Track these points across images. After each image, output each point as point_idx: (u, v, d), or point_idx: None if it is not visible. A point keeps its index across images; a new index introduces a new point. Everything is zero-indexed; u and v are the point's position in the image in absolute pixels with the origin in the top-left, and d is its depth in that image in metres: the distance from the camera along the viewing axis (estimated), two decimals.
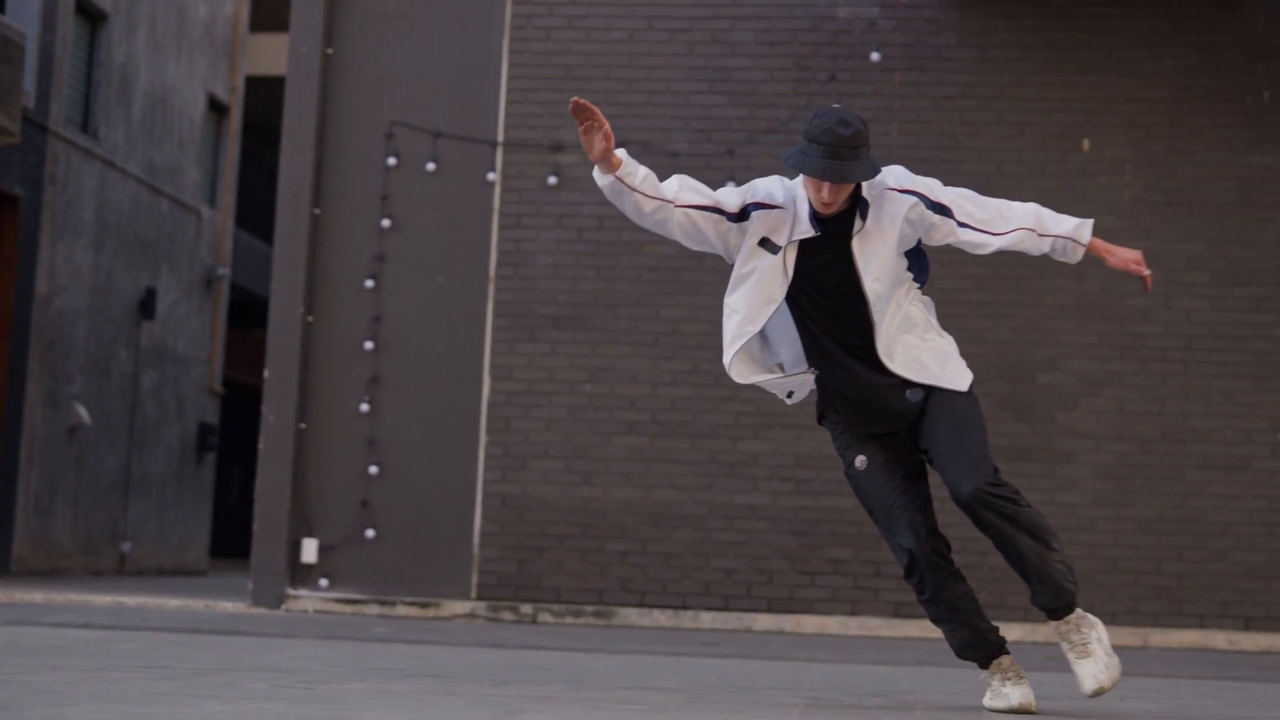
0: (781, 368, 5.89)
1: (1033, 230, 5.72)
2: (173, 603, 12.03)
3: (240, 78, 22.20)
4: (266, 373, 12.00)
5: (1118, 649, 10.86)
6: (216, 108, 21.72)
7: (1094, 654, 5.65)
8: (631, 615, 11.59)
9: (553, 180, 12.02)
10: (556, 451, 11.84)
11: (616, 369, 11.89)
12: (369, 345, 12.00)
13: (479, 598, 11.77)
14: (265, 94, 25.14)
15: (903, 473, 5.76)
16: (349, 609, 11.81)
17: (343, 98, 12.26)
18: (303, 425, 11.99)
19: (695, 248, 5.84)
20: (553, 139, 12.08)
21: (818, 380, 5.89)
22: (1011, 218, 5.76)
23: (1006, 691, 5.73)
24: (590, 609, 11.67)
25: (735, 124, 11.98)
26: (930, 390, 5.70)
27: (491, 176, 12.06)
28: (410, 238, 12.11)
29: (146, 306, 19.29)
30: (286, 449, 11.88)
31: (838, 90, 11.86)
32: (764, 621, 11.52)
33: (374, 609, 11.80)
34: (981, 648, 5.78)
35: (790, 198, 5.69)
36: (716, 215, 5.69)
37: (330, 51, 12.28)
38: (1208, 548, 11.43)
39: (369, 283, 12.06)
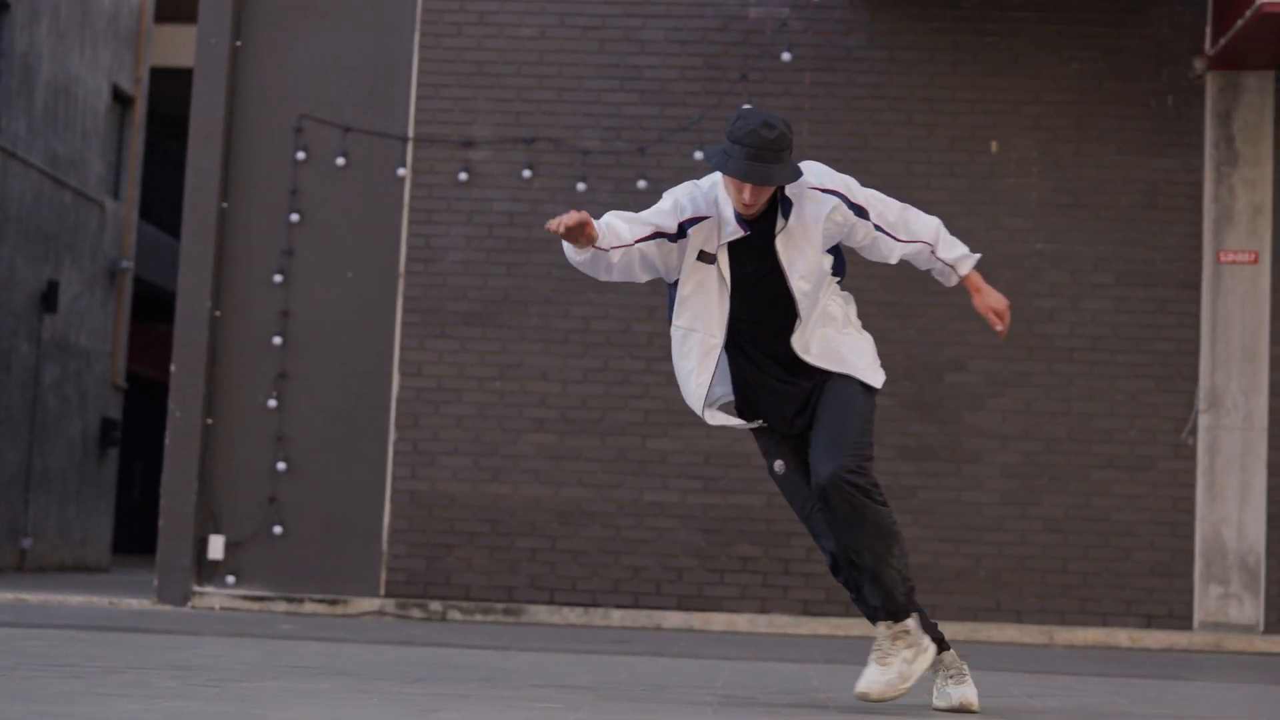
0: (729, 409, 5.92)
1: (930, 246, 5.80)
2: (76, 599, 11.89)
3: (145, 69, 21.96)
4: (173, 367, 11.89)
5: (1024, 647, 11.01)
6: (121, 99, 21.48)
7: (889, 665, 5.71)
8: (541, 613, 11.57)
9: (463, 176, 11.99)
10: (466, 448, 11.81)
11: (526, 366, 11.87)
12: (277, 340, 11.91)
13: (388, 595, 11.72)
14: (170, 85, 24.90)
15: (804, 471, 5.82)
16: (256, 606, 11.72)
17: (251, 91, 12.16)
18: (210, 421, 11.89)
19: (646, 279, 5.87)
20: (464, 135, 12.04)
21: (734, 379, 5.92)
22: (915, 229, 5.82)
23: (949, 690, 5.77)
24: (500, 606, 11.64)
25: (646, 122, 11.99)
26: (831, 376, 5.73)
27: (402, 172, 12.00)
28: (320, 233, 12.03)
29: (48, 299, 19.05)
30: (193, 445, 11.78)
31: (749, 89, 11.90)
32: (674, 619, 11.54)
33: (281, 606, 11.72)
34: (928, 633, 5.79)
35: (710, 202, 5.71)
36: (661, 239, 5.72)
37: (239, 44, 12.18)
38: (1112, 546, 11.56)
39: (277, 278, 11.97)
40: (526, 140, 12.01)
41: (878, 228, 5.76)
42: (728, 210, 5.65)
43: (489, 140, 12.04)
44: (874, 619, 5.73)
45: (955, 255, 5.80)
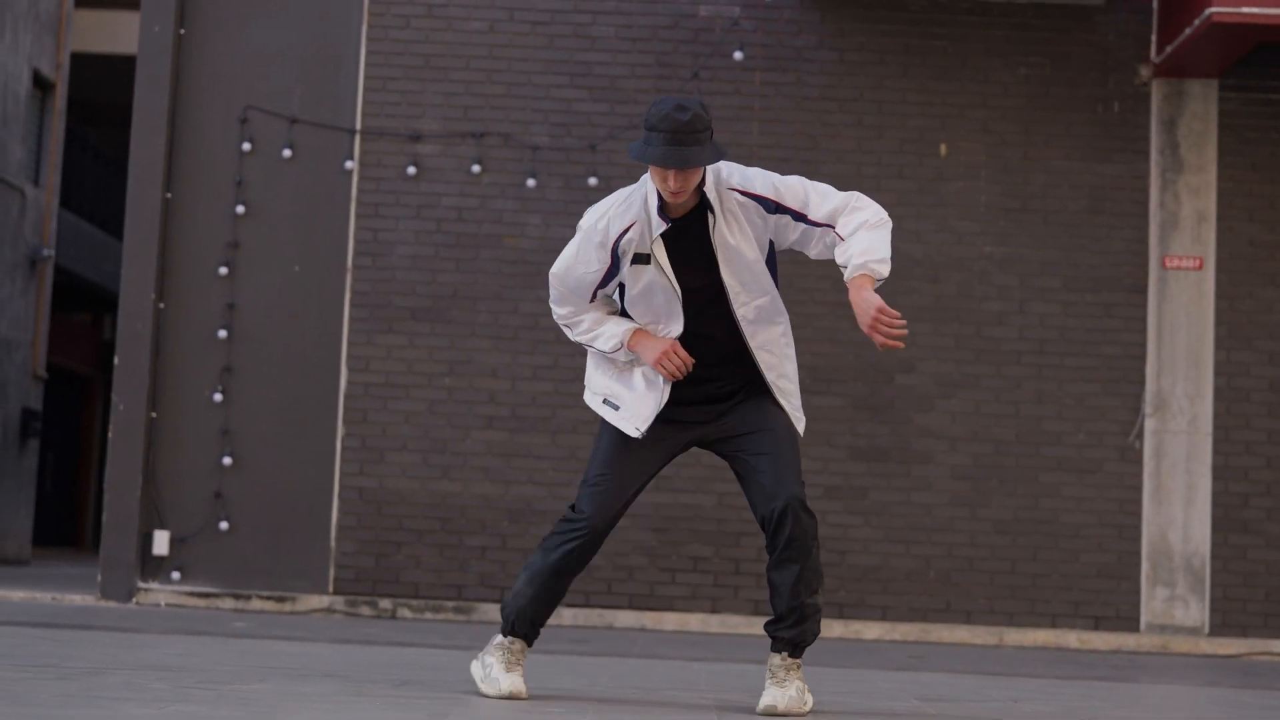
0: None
1: (843, 241, 5.63)
2: (17, 594, 11.68)
3: (66, 54, 21.62)
4: (116, 360, 11.71)
5: (975, 648, 11.08)
6: (41, 84, 21.14)
7: (788, 685, 5.76)
8: (492, 611, 11.50)
9: (412, 170, 11.89)
10: (415, 445, 11.72)
11: (476, 362, 11.79)
12: (223, 334, 11.76)
13: (336, 592, 11.61)
14: (90, 71, 24.55)
15: (646, 473, 5.81)
16: (202, 603, 11.58)
17: (196, 80, 12.00)
18: (154, 414, 11.72)
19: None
20: (412, 129, 11.94)
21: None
22: (850, 222, 5.64)
23: (497, 676, 5.86)
24: (450, 604, 11.57)
25: (596, 119, 11.94)
26: (767, 399, 5.77)
27: (349, 165, 11.89)
28: (265, 225, 11.89)
29: None
30: (137, 439, 11.60)
31: (699, 88, 11.88)
32: (625, 618, 11.52)
33: (228, 603, 11.58)
34: (523, 626, 5.87)
35: (636, 206, 5.69)
36: (608, 278, 5.77)
37: (183, 32, 12.01)
38: (1060, 548, 11.65)
39: (222, 270, 11.82)
40: (475, 135, 11.93)
41: (805, 219, 5.65)
42: (653, 206, 5.62)
43: (437, 134, 11.95)
44: (777, 648, 5.78)
45: (853, 256, 5.55)
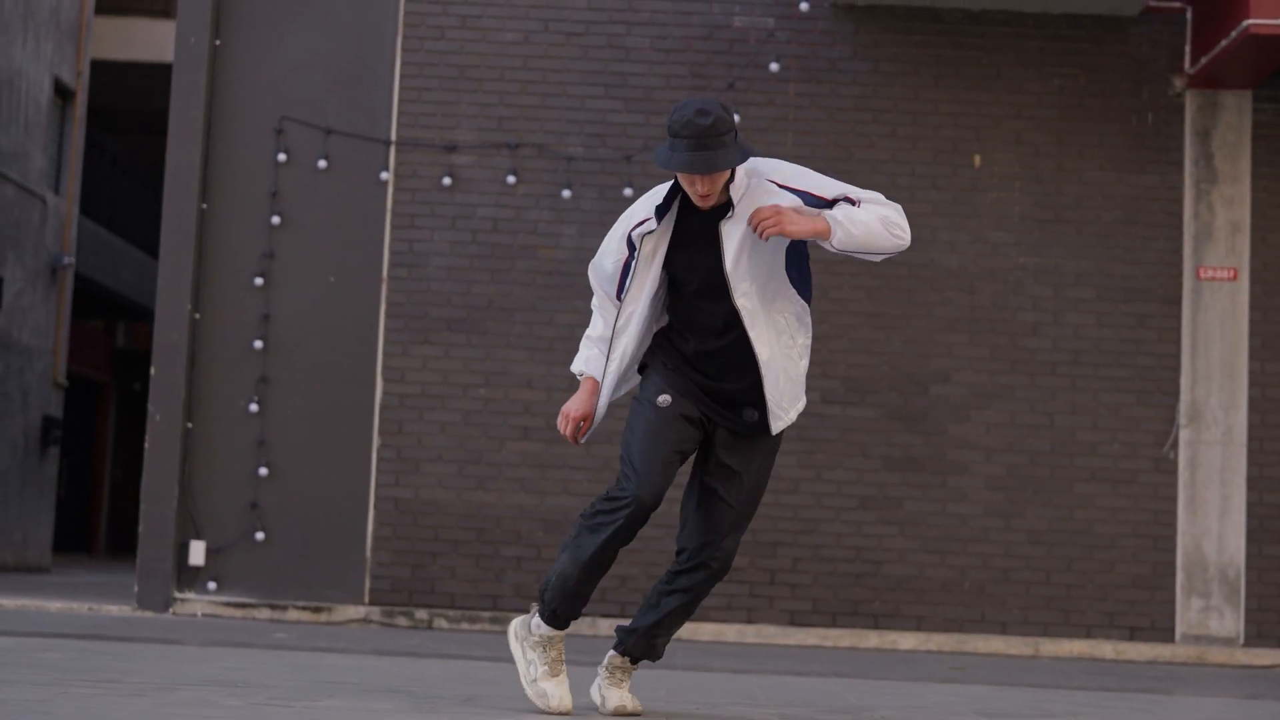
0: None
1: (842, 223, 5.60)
2: (54, 605, 11.70)
3: (86, 62, 21.65)
4: (153, 370, 11.73)
5: (1009, 659, 11.09)
6: (62, 92, 21.17)
7: (625, 686, 6.04)
8: None
9: (447, 181, 11.91)
10: (450, 455, 11.74)
11: (511, 373, 11.81)
12: (258, 344, 11.78)
13: (372, 602, 11.62)
14: (109, 79, 24.57)
15: (679, 449, 5.73)
16: (238, 613, 11.59)
17: (231, 91, 12.02)
18: (190, 425, 11.74)
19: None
20: (447, 139, 11.96)
21: (664, 339, 5.88)
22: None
23: (544, 688, 5.94)
24: (486, 615, 11.58)
25: (631, 130, 11.96)
26: (758, 451, 5.79)
27: (384, 175, 11.91)
28: (301, 235, 11.91)
29: None
30: (173, 449, 11.62)
31: (735, 99, 11.90)
32: None
33: (264, 613, 11.59)
34: (565, 608, 5.95)
35: (661, 197, 5.72)
36: (626, 269, 5.78)
37: (219, 43, 12.03)
38: (1095, 559, 11.66)
39: (258, 280, 11.84)
40: (510, 145, 11.95)
41: (832, 201, 5.63)
42: (676, 197, 5.66)
43: (472, 145, 11.97)
44: (623, 652, 6.00)
45: (827, 220, 5.54)
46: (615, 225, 5.86)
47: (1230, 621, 11.65)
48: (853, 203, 5.61)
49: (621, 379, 5.88)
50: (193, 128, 11.89)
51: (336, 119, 11.95)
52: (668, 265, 5.74)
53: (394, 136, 11.94)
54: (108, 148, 24.15)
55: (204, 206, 11.89)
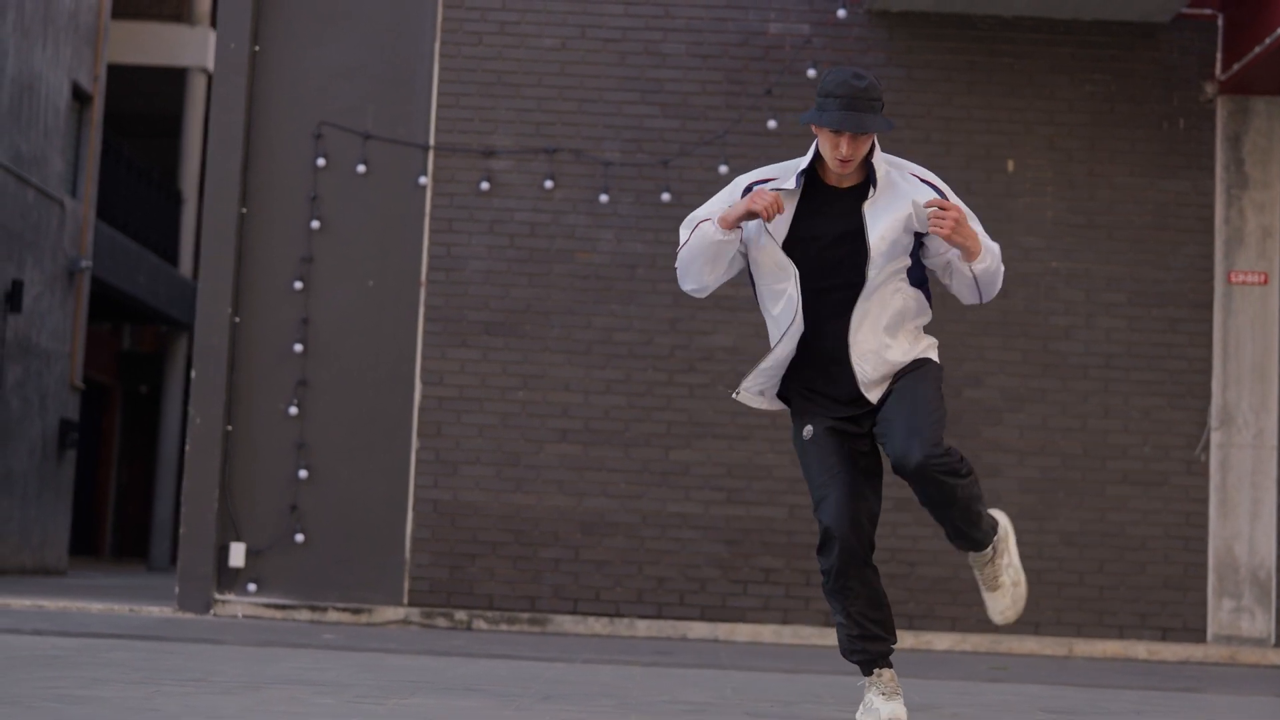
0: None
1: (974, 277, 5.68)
2: (95, 607, 11.79)
3: (103, 66, 21.72)
4: (193, 373, 11.82)
5: (1044, 659, 11.20)
6: (79, 96, 21.24)
7: (1002, 586, 5.81)
8: (566, 623, 11.62)
9: (485, 185, 12.01)
10: (488, 458, 11.83)
11: (549, 376, 11.91)
12: (298, 348, 11.88)
13: (411, 604, 11.72)
14: (125, 83, 24.67)
15: (849, 458, 5.70)
16: (279, 614, 11.68)
17: (271, 96, 12.12)
18: (230, 428, 11.83)
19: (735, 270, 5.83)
20: (484, 144, 12.07)
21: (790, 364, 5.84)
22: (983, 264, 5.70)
23: (878, 706, 5.70)
24: (525, 616, 11.68)
25: (668, 135, 12.07)
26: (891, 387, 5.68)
27: (423, 180, 12.01)
28: (340, 240, 12.00)
29: (13, 299, 18.80)
30: (214, 452, 11.71)
31: (771, 104, 12.01)
32: (698, 630, 11.63)
33: (304, 614, 11.68)
34: (866, 651, 5.74)
35: (788, 169, 5.71)
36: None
37: (258, 49, 12.13)
38: (1127, 560, 11.78)
39: (298, 284, 11.93)
40: (548, 150, 12.06)
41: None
42: (798, 171, 5.63)
43: (510, 150, 12.08)
44: (962, 549, 5.82)
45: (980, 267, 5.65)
46: (733, 183, 5.77)
47: (1261, 622, 11.77)
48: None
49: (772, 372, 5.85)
50: (233, 133, 11.98)
51: (375, 124, 12.05)
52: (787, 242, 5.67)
53: (432, 141, 12.04)
54: (122, 152, 24.22)
55: (244, 211, 11.99)
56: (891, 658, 5.86)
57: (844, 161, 5.53)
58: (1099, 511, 11.81)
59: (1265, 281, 11.99)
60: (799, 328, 5.68)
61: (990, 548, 5.80)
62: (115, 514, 30.74)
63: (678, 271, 5.84)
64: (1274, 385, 11.91)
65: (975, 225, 5.66)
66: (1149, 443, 11.88)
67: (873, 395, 5.70)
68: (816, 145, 5.63)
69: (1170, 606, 11.76)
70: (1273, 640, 11.74)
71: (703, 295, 5.88)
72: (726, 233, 5.63)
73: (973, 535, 5.74)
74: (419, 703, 5.96)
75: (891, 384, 5.69)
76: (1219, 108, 12.11)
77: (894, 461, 5.54)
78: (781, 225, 5.67)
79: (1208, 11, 12.09)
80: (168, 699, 5.61)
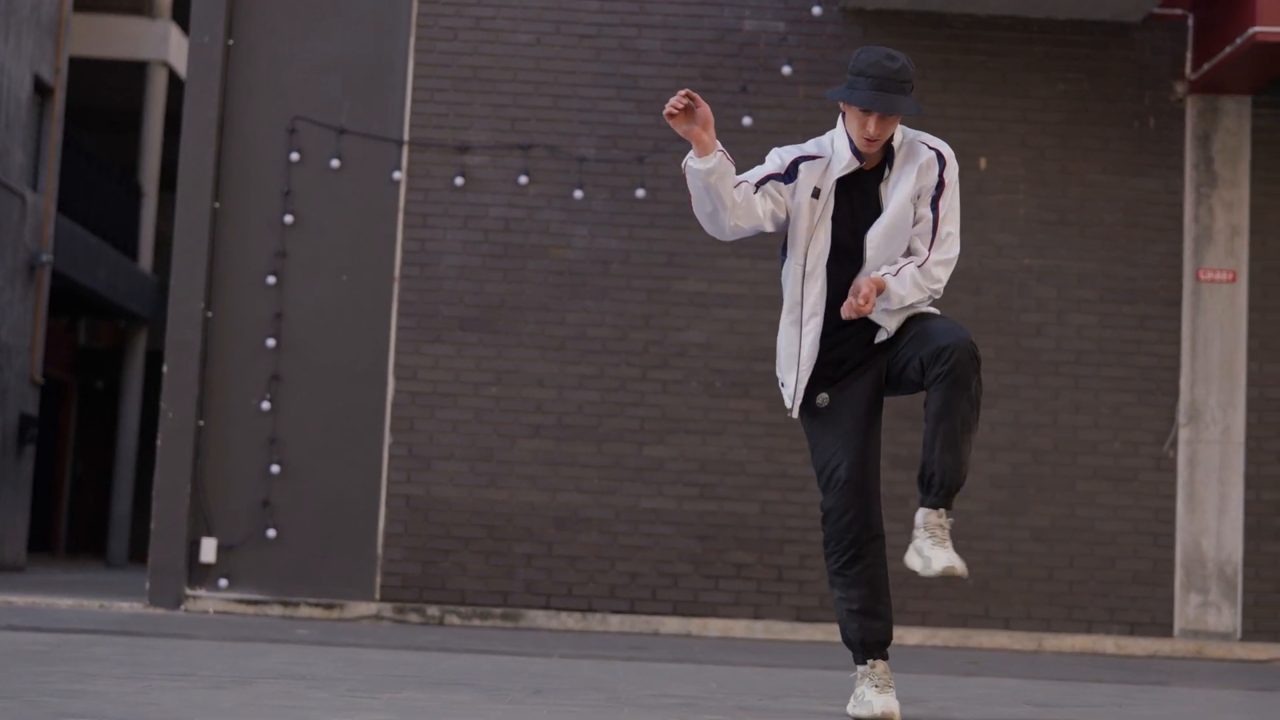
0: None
1: (919, 259, 5.71)
2: (65, 602, 11.73)
3: (64, 59, 21.58)
4: (165, 368, 11.77)
5: (1014, 654, 11.27)
6: (41, 90, 21.10)
7: (948, 544, 5.76)
8: (539, 618, 11.63)
9: (459, 181, 12.00)
10: (461, 453, 11.83)
11: (522, 372, 11.91)
12: (271, 342, 11.84)
13: (383, 599, 11.70)
14: (85, 77, 24.52)
15: (861, 432, 5.76)
16: (250, 610, 11.65)
17: (245, 91, 12.07)
18: (202, 423, 11.79)
19: (769, 227, 5.78)
20: (459, 140, 12.05)
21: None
22: (935, 261, 5.73)
23: (870, 699, 5.75)
24: (497, 611, 11.68)
25: (643, 131, 12.08)
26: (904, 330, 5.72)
27: (397, 175, 11.99)
28: (314, 235, 11.98)
29: None
30: (186, 447, 11.67)
31: (746, 101, 12.04)
32: (671, 625, 11.65)
33: (276, 610, 11.65)
34: (870, 630, 5.80)
35: (823, 146, 5.75)
36: (774, 181, 5.72)
37: (232, 43, 12.08)
38: (1096, 555, 11.86)
39: (271, 279, 11.90)
40: (522, 146, 12.05)
41: (937, 208, 5.71)
42: (842, 147, 5.66)
43: (484, 145, 12.07)
44: (930, 503, 5.67)
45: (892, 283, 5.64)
46: (773, 152, 5.77)
47: (1228, 617, 11.87)
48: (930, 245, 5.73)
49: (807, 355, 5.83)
50: (206, 127, 11.94)
51: (349, 119, 12.03)
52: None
53: (407, 136, 12.02)
54: (83, 145, 24.08)
55: (217, 205, 11.94)
56: (889, 649, 5.91)
57: (870, 141, 5.58)
58: (1069, 507, 11.89)
59: (1233, 279, 12.09)
60: (821, 305, 5.73)
61: (944, 510, 5.68)
62: (71, 510, 30.54)
63: (707, 229, 5.82)
64: (1241, 382, 12.01)
65: (901, 282, 5.63)
66: (1118, 439, 11.96)
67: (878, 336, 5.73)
68: (842, 124, 5.67)
69: (1139, 601, 11.84)
70: (1239, 635, 11.84)
71: (737, 237, 5.81)
72: (702, 160, 5.53)
73: (960, 454, 5.62)
74: (412, 697, 5.96)
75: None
76: (1189, 107, 12.20)
77: (933, 351, 5.53)
78: (826, 207, 5.70)
79: (1178, 12, 12.18)
80: (163, 694, 5.60)
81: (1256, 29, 11.03)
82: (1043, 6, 11.97)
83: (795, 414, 5.87)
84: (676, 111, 5.49)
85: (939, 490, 5.65)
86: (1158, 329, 12.06)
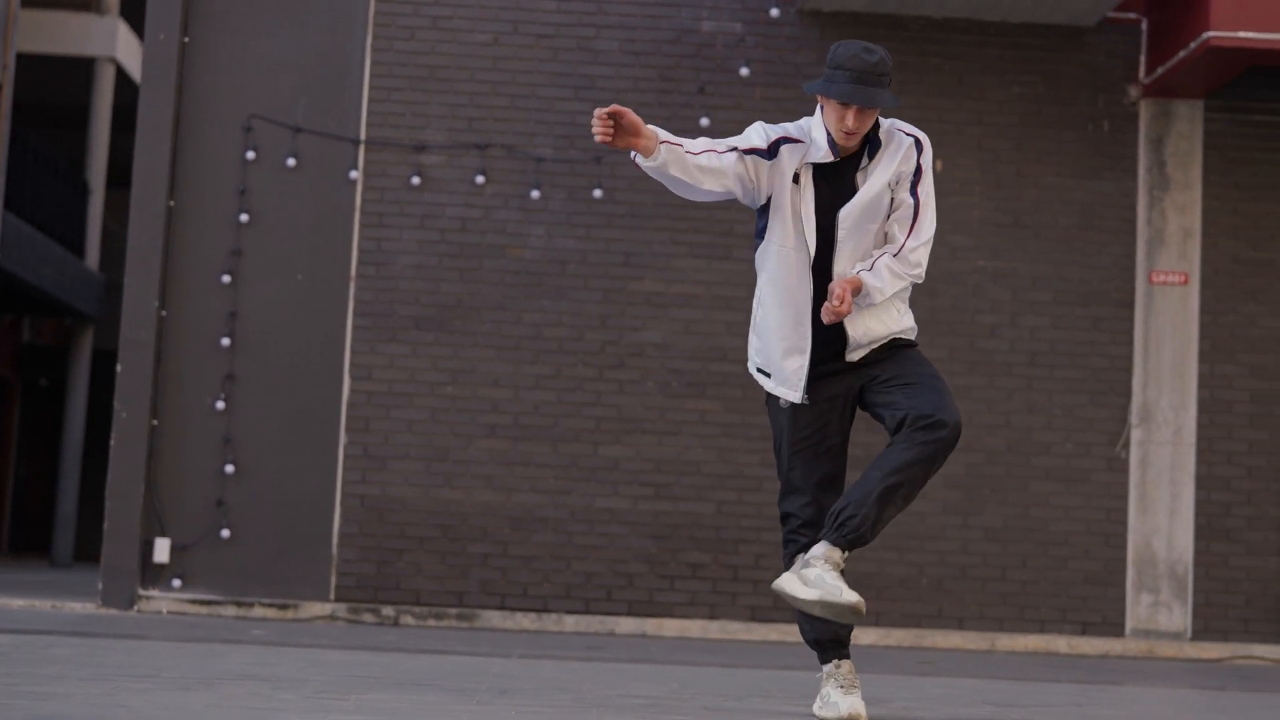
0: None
1: (893, 248, 5.76)
2: (16, 603, 11.65)
3: (11, 55, 21.41)
4: (119, 367, 11.70)
5: (967, 653, 11.33)
6: None
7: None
8: (494, 618, 11.62)
9: (416, 180, 11.97)
10: (417, 453, 11.81)
11: (478, 372, 11.90)
12: (225, 341, 11.79)
13: (338, 599, 11.67)
14: (31, 73, 24.34)
15: (832, 438, 5.79)
16: (204, 610, 11.60)
17: (200, 88, 12.02)
18: (155, 422, 11.72)
19: (737, 190, 5.77)
20: (416, 139, 12.03)
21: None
22: (912, 248, 5.79)
23: (836, 700, 5.80)
24: (452, 611, 11.66)
25: None
26: (896, 359, 5.74)
27: (354, 174, 11.95)
28: (269, 233, 11.93)
29: None
30: (139, 446, 11.60)
31: (704, 102, 12.06)
32: (626, 625, 11.66)
33: (230, 610, 11.60)
34: (827, 628, 5.85)
35: (803, 130, 5.78)
36: (754, 155, 5.75)
37: (188, 40, 12.02)
38: (1049, 556, 11.94)
39: (225, 278, 11.85)
40: (479, 146, 12.04)
41: (917, 196, 5.76)
42: (820, 137, 5.69)
43: (441, 145, 12.05)
44: (833, 538, 5.62)
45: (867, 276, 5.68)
46: (755, 125, 5.81)
47: (1178, 617, 11.96)
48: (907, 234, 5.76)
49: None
50: (161, 125, 11.88)
51: (306, 118, 11.98)
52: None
53: (363, 136, 11.99)
54: (29, 142, 23.90)
55: (172, 204, 11.88)
56: (850, 649, 5.95)
57: (849, 134, 5.61)
58: (1022, 507, 11.97)
59: (1185, 282, 12.18)
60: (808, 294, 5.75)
61: (843, 554, 5.67)
62: (14, 509, 30.31)
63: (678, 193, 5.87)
64: (1193, 384, 12.11)
65: (877, 275, 5.67)
66: (1071, 439, 12.04)
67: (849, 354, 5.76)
68: (820, 115, 5.70)
69: (1090, 601, 11.92)
70: (1189, 635, 11.94)
71: (709, 200, 5.86)
72: (650, 159, 5.61)
73: (888, 510, 5.60)
74: (380, 698, 5.96)
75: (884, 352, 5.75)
76: (1142, 111, 12.29)
77: (927, 417, 5.54)
78: (804, 194, 5.72)
79: (1132, 16, 12.27)
80: (131, 695, 5.58)
81: (1210, 33, 11.12)
82: (998, 9, 12.04)
83: (800, 399, 5.81)
84: (609, 137, 5.53)
85: (849, 536, 5.62)
86: (1110, 331, 12.15)
